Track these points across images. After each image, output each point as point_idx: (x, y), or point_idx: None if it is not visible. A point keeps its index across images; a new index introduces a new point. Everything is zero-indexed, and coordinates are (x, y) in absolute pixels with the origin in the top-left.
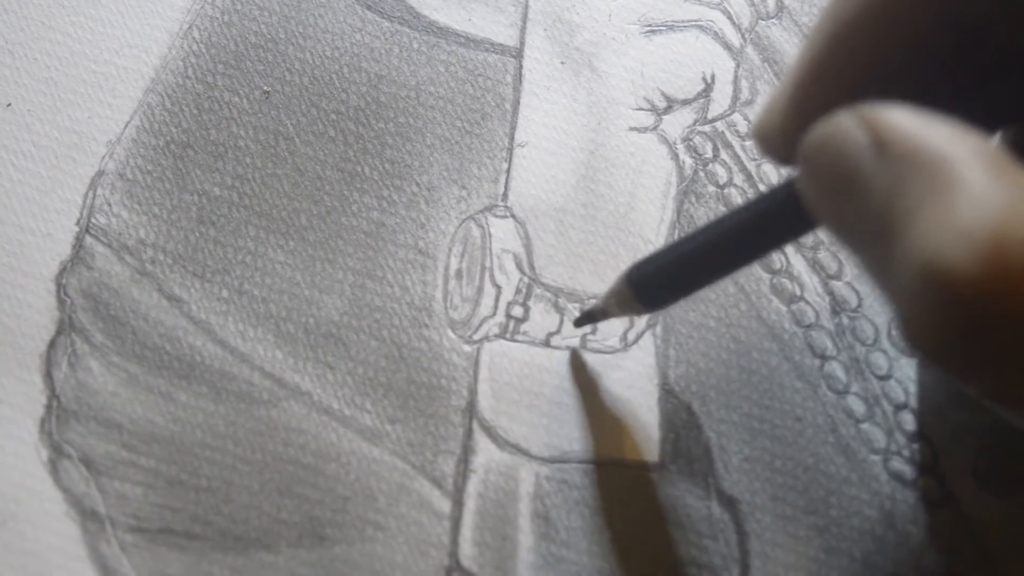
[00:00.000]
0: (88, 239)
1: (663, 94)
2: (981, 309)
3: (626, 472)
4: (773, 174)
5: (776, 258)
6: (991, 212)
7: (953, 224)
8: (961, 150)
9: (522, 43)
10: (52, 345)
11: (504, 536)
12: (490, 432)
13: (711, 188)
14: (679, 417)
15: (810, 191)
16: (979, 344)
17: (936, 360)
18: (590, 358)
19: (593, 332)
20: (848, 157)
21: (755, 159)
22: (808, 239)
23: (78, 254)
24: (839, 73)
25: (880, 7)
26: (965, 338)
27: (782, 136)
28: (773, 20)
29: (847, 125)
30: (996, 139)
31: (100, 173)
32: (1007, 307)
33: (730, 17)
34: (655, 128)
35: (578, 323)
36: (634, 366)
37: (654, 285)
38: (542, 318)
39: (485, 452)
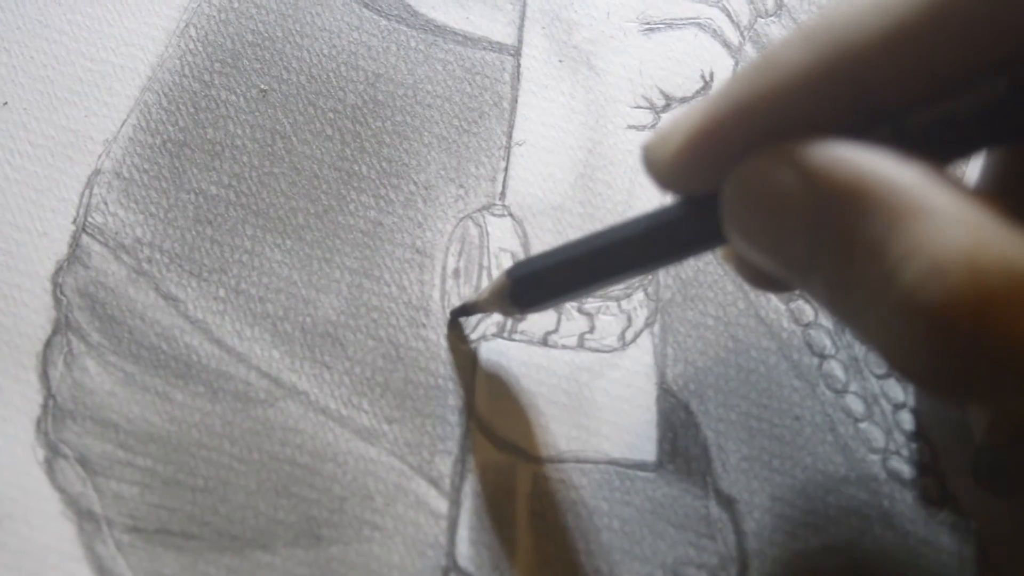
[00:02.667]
0: (84, 238)
1: (661, 92)
2: (966, 339)
3: (623, 471)
4: None
5: None
6: (963, 240)
7: (927, 256)
8: (912, 178)
9: (520, 41)
10: (48, 344)
11: (502, 536)
12: (487, 432)
13: None
14: (677, 416)
15: (739, 226)
16: (969, 372)
17: (927, 389)
18: (588, 357)
19: (591, 331)
20: (781, 194)
21: None
22: None
23: (74, 253)
24: (762, 121)
25: (826, 74)
26: (953, 368)
27: (672, 165)
28: (772, 18)
29: (776, 162)
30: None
31: (96, 172)
32: (991, 334)
33: (729, 15)
34: (653, 126)
35: (454, 314)
36: (632, 365)
37: (533, 282)
38: (539, 317)
39: (482, 452)
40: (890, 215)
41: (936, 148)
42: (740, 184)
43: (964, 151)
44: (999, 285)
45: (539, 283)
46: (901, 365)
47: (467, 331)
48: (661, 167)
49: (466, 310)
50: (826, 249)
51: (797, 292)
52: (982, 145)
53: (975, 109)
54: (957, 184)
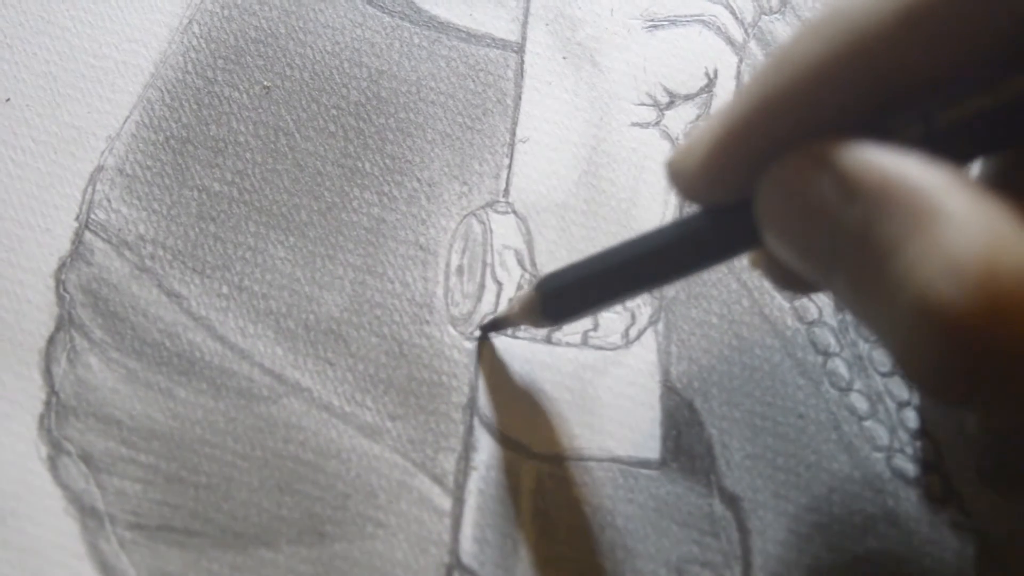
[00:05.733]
0: (87, 235)
1: (665, 89)
2: (978, 341)
3: (627, 469)
4: None
5: None
6: (979, 242)
7: (941, 258)
8: (935, 181)
9: (523, 38)
10: (51, 341)
11: (505, 533)
12: (491, 429)
13: None
14: (681, 414)
15: (772, 225)
16: (977, 376)
17: (936, 395)
18: (592, 355)
19: (595, 328)
20: (813, 193)
21: None
22: None
23: (77, 250)
24: (783, 122)
25: (839, 68)
26: (963, 371)
27: (699, 175)
28: (776, 15)
29: (809, 161)
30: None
31: (99, 168)
32: (1004, 338)
33: (733, 12)
34: (657, 123)
35: (484, 330)
36: (636, 363)
37: (562, 297)
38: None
39: (486, 449)
40: (910, 216)
41: (967, 146)
42: (775, 183)
43: (995, 147)
44: (1014, 287)
45: (568, 296)
46: (911, 367)
47: (472, 329)
48: (688, 179)
49: (496, 324)
50: (849, 248)
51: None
52: (1014, 141)
53: (1006, 105)
54: (979, 188)
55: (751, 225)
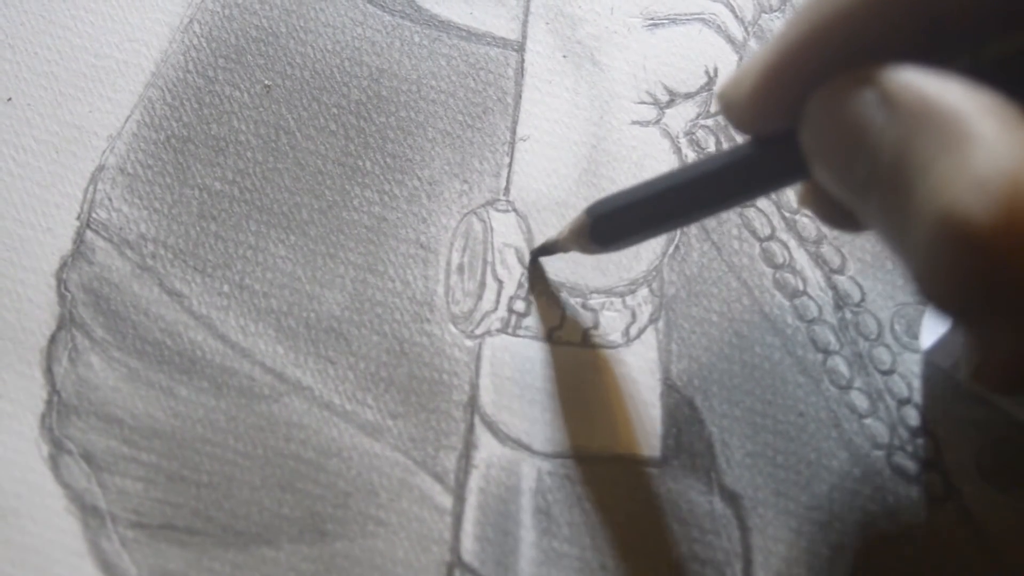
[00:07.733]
0: (89, 234)
1: (665, 87)
2: (999, 257)
3: (628, 467)
4: None
5: (779, 252)
6: (1007, 163)
7: (969, 175)
8: (973, 105)
9: (524, 36)
10: (52, 340)
11: (506, 531)
12: (492, 427)
13: None
14: (681, 412)
15: (816, 147)
16: (996, 292)
17: (951, 311)
18: (592, 353)
19: (595, 327)
20: (856, 114)
21: None
22: (811, 233)
23: (79, 249)
24: (832, 48)
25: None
26: (982, 287)
27: (749, 103)
28: (776, 13)
29: (855, 83)
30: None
31: (100, 168)
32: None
33: (733, 10)
34: (657, 122)
35: (534, 254)
36: (636, 361)
37: (612, 220)
38: (544, 313)
39: (487, 447)
40: (943, 135)
41: (1014, 80)
42: (821, 102)
43: None
44: None
45: (618, 220)
46: (931, 285)
47: (472, 327)
48: (738, 107)
49: (546, 249)
50: (885, 168)
51: (803, 288)
52: None
53: None
54: (1017, 115)
55: (798, 154)
